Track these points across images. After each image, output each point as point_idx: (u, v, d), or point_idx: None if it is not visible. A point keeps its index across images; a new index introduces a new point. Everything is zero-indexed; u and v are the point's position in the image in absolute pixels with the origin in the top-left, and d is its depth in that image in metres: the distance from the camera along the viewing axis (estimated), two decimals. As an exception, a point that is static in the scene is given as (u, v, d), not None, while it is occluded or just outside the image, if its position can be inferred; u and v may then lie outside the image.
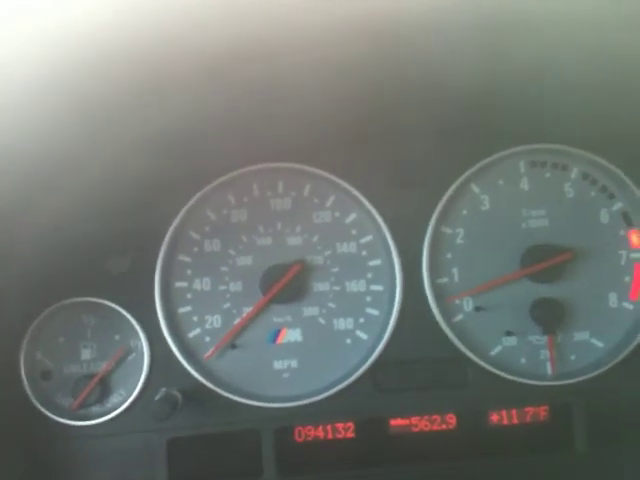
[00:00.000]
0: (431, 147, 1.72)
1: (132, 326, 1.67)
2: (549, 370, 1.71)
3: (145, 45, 1.06)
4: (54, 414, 1.65)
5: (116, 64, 1.08)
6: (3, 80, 1.02)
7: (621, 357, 1.67)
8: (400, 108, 1.58)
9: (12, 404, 1.64)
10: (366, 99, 1.51)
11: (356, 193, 1.69)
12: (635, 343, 1.68)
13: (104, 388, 1.66)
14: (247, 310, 1.70)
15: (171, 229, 1.67)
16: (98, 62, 1.06)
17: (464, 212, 1.73)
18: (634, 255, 1.72)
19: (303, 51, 1.21)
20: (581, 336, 1.71)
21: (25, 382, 1.65)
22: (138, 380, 1.66)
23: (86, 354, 1.68)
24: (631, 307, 1.71)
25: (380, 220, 1.69)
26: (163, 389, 1.62)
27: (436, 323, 1.69)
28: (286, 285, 1.68)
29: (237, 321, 1.70)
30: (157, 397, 1.58)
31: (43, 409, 1.64)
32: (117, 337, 1.69)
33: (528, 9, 1.13)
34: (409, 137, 1.71)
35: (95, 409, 1.67)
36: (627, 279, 1.72)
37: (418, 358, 1.69)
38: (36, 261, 1.61)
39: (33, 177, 1.36)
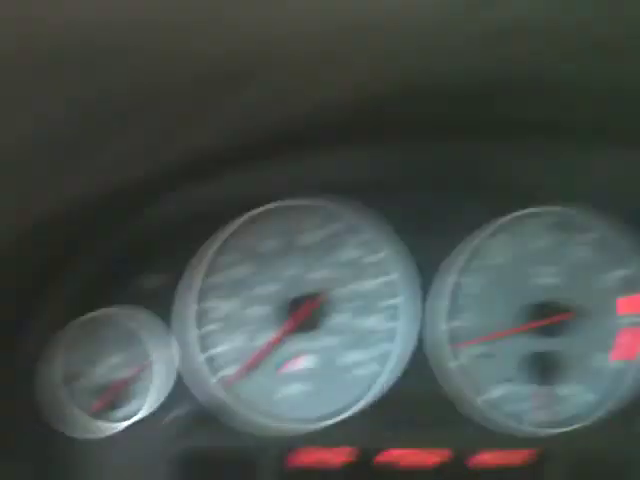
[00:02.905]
0: (454, 198, 1.82)
1: (161, 338, 1.77)
2: (540, 418, 1.84)
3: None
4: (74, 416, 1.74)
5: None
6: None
7: (605, 412, 1.81)
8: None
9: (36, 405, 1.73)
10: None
11: (383, 235, 1.80)
12: (617, 399, 1.81)
13: (127, 394, 1.77)
14: (268, 335, 1.82)
15: (208, 254, 1.77)
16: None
17: (482, 263, 1.85)
18: (622, 321, 1.84)
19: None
20: (575, 389, 1.84)
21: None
22: (161, 390, 1.77)
23: (112, 360, 1.78)
24: (614, 366, 1.83)
25: (403, 262, 1.80)
26: (184, 402, 1.73)
27: (445, 364, 1.81)
28: (306, 315, 1.79)
29: (259, 343, 1.82)
30: (177, 411, 1.70)
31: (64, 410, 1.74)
32: (144, 347, 1.78)
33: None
34: (432, 190, 1.82)
35: (115, 414, 1.77)
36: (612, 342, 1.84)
37: (419, 396, 1.81)
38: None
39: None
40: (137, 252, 1.76)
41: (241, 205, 1.77)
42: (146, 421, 1.76)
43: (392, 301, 1.85)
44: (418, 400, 1.82)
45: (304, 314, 1.79)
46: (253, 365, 1.81)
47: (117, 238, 1.71)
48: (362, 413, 1.80)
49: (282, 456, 1.80)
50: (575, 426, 1.82)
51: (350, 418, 1.79)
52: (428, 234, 1.82)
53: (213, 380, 1.79)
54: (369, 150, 1.68)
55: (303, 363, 1.83)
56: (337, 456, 1.81)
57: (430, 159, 1.71)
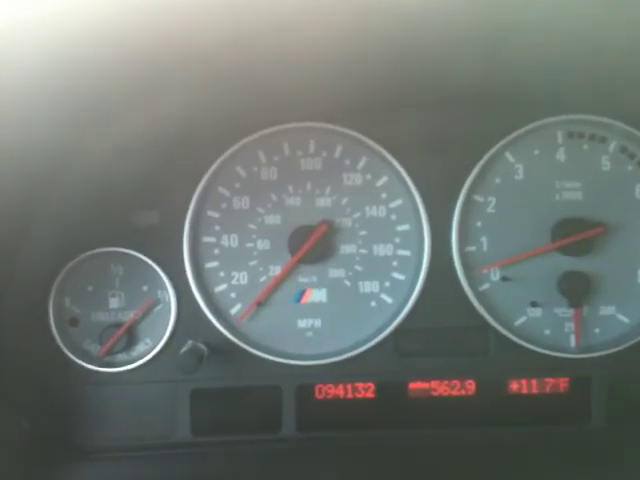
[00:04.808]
0: (467, 114, 1.69)
1: (160, 278, 1.68)
2: (572, 343, 1.71)
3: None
4: (80, 360, 1.68)
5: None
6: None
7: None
8: (436, 75, 1.55)
9: (39, 348, 1.68)
10: (402, 65, 1.48)
11: (388, 156, 1.67)
12: None
13: (131, 337, 1.69)
14: (273, 268, 1.71)
15: (201, 184, 1.67)
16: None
17: (497, 181, 1.71)
18: None
19: (336, 21, 1.19)
20: (607, 311, 1.71)
21: (53, 327, 1.68)
22: (164, 331, 1.68)
23: (114, 303, 1.71)
24: None
25: (411, 185, 1.67)
26: (190, 341, 1.65)
27: (462, 291, 1.69)
28: (313, 246, 1.68)
29: (263, 279, 1.72)
30: (184, 349, 1.61)
31: (70, 354, 1.68)
32: (145, 288, 1.71)
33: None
34: (445, 103, 1.68)
35: (121, 357, 1.71)
36: None
37: (442, 325, 1.70)
38: (68, 210, 1.63)
39: (67, 128, 1.36)
40: (133, 190, 1.67)
41: (238, 131, 1.67)
42: (156, 359, 1.69)
43: (400, 228, 1.73)
44: (439, 330, 1.70)
45: (309, 246, 1.68)
46: (260, 302, 1.71)
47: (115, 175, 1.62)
48: (381, 346, 1.69)
49: (308, 389, 1.71)
50: (608, 351, 1.68)
51: (370, 351, 1.69)
52: (431, 156, 1.68)
53: (220, 320, 1.70)
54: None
55: (314, 297, 1.73)
56: (365, 387, 1.72)
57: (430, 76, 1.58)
